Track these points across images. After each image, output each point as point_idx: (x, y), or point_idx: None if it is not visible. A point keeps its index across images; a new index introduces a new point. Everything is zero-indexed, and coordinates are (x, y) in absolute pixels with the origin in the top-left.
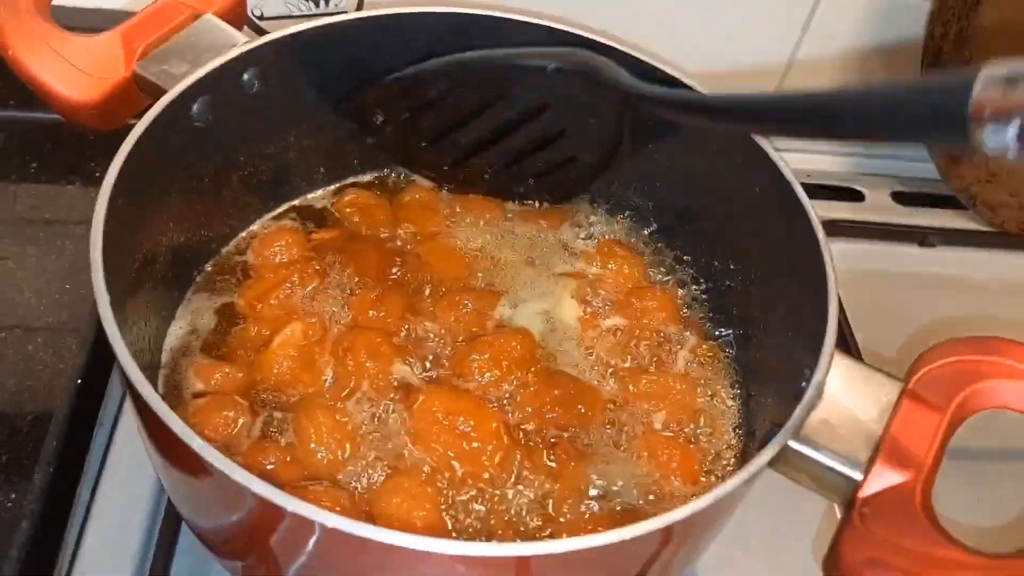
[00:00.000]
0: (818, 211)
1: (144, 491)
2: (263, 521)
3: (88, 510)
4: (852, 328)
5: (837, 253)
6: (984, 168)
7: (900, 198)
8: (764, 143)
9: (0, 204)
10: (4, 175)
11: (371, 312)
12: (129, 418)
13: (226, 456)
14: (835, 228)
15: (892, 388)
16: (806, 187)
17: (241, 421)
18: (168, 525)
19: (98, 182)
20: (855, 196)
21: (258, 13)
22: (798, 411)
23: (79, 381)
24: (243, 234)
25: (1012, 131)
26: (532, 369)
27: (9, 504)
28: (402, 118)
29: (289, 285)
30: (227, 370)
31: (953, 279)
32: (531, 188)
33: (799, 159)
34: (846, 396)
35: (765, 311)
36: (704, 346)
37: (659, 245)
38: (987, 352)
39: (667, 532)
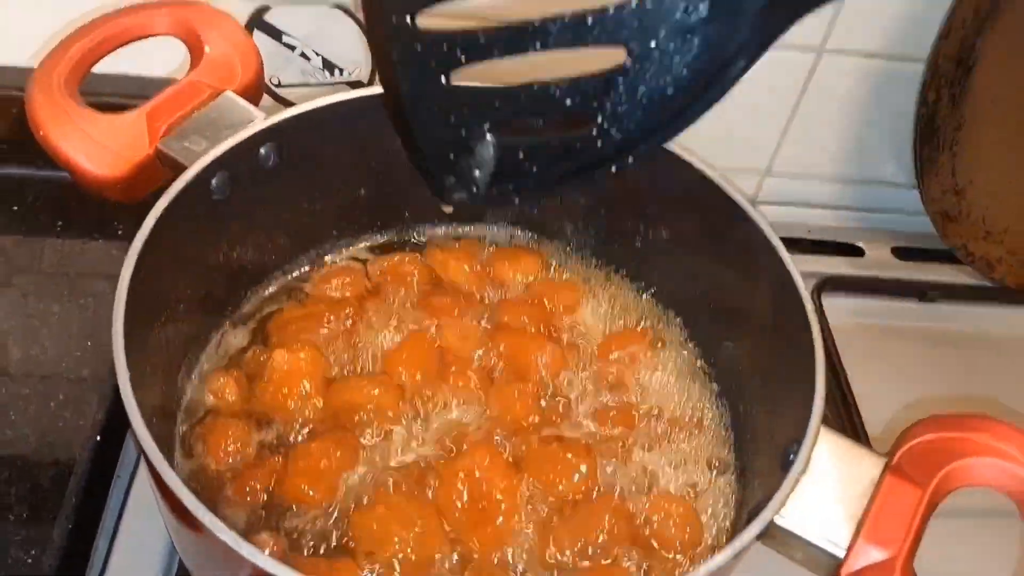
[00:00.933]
0: (819, 266)
1: (158, 545)
2: None
3: (105, 564)
4: (850, 382)
5: (838, 307)
6: (980, 226)
7: (900, 253)
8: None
9: (27, 260)
10: (31, 232)
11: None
12: (145, 471)
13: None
14: (836, 283)
15: (876, 464)
16: (807, 242)
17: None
18: None
19: (120, 239)
20: (855, 251)
21: (275, 81)
22: (783, 487)
23: (98, 437)
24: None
25: None
26: None
27: (29, 560)
28: None
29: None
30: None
31: (954, 333)
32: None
33: (799, 213)
34: (831, 472)
35: (755, 384)
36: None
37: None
38: (967, 429)
39: None
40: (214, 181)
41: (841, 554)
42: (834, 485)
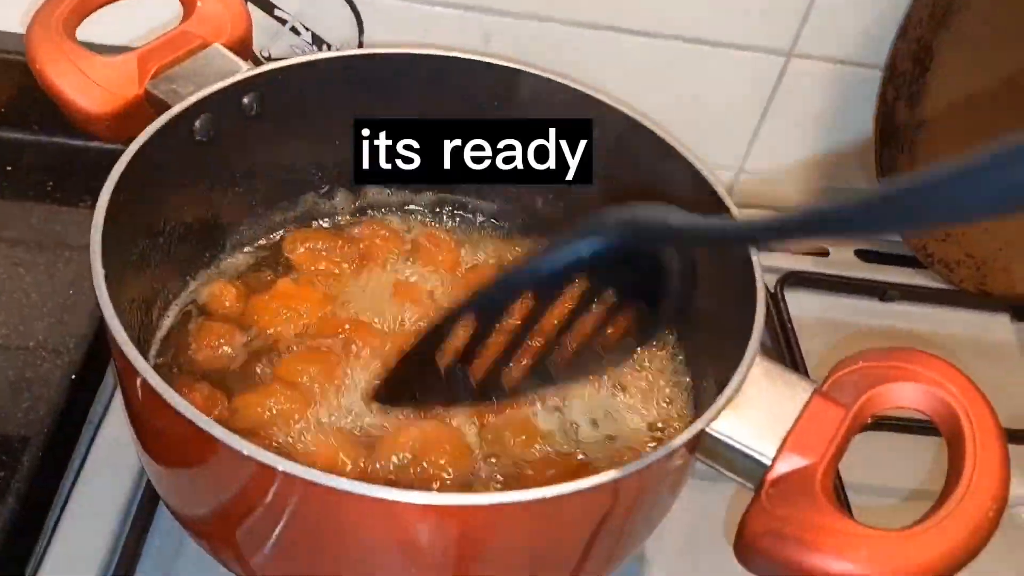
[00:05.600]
0: (783, 263)
1: (121, 491)
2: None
3: (62, 511)
4: (808, 370)
5: (802, 303)
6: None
7: (864, 255)
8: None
9: (19, 217)
10: (23, 191)
11: None
12: (114, 417)
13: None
14: (800, 279)
15: (807, 388)
16: None
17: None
18: (135, 531)
19: None
20: (820, 252)
21: (266, 54)
22: (718, 401)
23: (72, 376)
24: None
25: None
26: None
27: None
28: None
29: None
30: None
31: (911, 333)
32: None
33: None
34: (766, 393)
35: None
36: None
37: None
38: (895, 359)
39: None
40: (198, 123)
41: (768, 462)
42: (767, 404)
